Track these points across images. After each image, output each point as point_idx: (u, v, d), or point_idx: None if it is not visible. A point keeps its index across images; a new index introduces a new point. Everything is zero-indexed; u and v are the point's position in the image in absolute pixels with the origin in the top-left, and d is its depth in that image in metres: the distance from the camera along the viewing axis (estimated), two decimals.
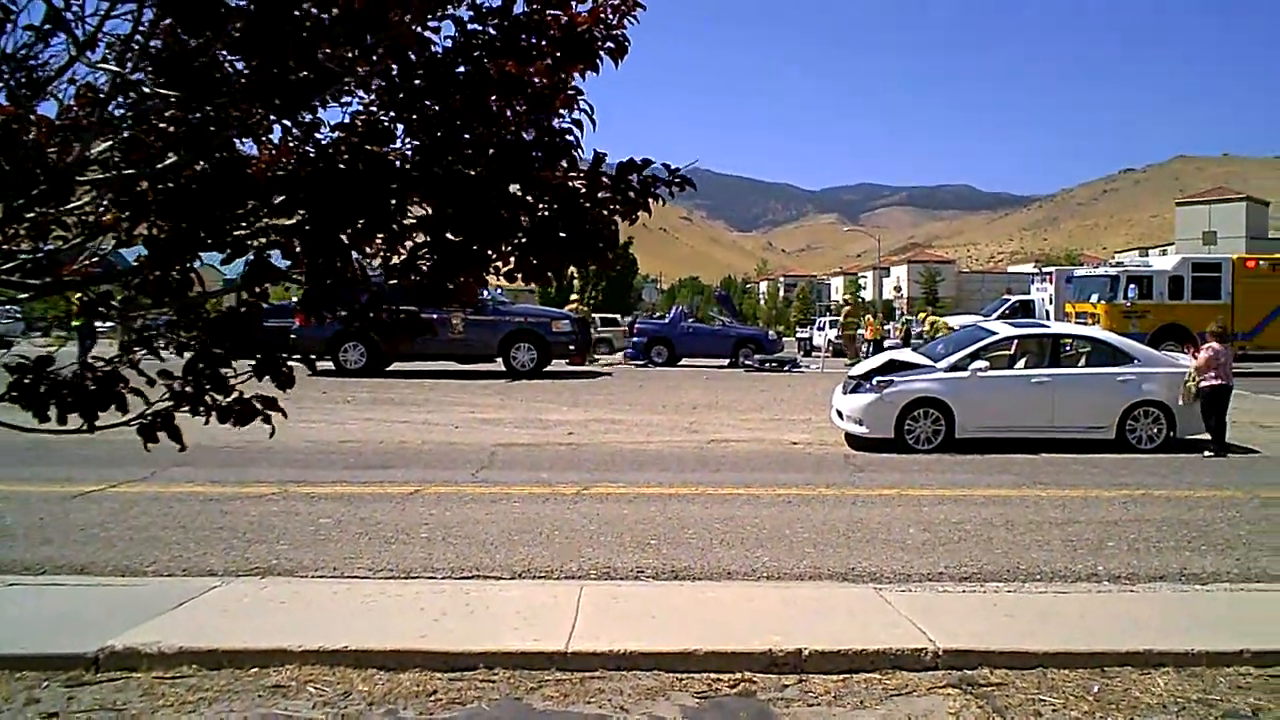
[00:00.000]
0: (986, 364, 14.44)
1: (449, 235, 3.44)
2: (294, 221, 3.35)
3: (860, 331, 39.64)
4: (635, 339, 32.26)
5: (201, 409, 3.35)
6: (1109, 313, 29.64)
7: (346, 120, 3.43)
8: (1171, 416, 14.33)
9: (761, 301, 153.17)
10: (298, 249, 3.36)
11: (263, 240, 3.37)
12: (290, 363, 3.42)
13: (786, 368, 30.02)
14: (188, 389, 3.31)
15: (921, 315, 34.79)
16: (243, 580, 7.01)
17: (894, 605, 6.53)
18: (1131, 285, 30.07)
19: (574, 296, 40.32)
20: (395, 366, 25.53)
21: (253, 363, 3.38)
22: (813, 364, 32.49)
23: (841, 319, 35.56)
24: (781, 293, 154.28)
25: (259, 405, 3.37)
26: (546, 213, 3.45)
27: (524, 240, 3.45)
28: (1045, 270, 40.05)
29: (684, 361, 31.97)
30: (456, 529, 8.72)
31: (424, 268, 3.47)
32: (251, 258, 3.35)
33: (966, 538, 8.74)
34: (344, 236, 3.36)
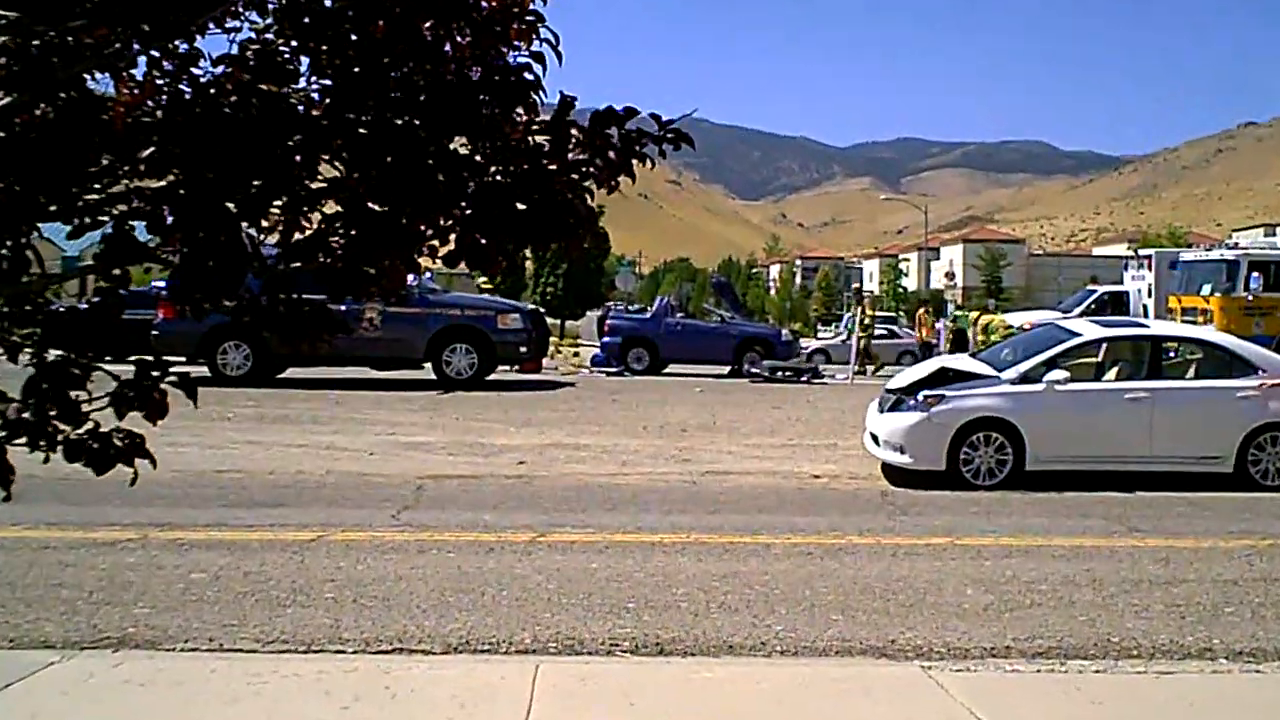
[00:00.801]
0: (1066, 374, 14.53)
1: (370, 204, 3.43)
2: (164, 184, 3.32)
3: (894, 330, 39.75)
4: (607, 339, 32.28)
5: (43, 444, 3.31)
6: (1226, 308, 29.91)
7: (234, 51, 3.42)
8: None
9: (772, 290, 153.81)
10: (169, 219, 3.34)
11: (123, 208, 3.34)
12: (170, 379, 3.38)
13: (805, 378, 30.09)
14: (25, 415, 3.28)
15: (973, 315, 34.82)
16: (89, 654, 6.97)
17: (947, 689, 6.56)
18: (1255, 273, 30.34)
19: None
20: (290, 373, 25.42)
21: (114, 377, 3.36)
22: (840, 374, 32.56)
23: (858, 316, 35.63)
24: (799, 279, 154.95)
25: (120, 443, 3.35)
26: (499, 176, 3.44)
27: (469, 212, 3.44)
28: (1143, 253, 40.28)
29: (671, 369, 32.00)
30: (372, 587, 8.70)
31: (336, 246, 3.46)
32: (109, 230, 3.33)
33: (1041, 601, 8.79)
34: (230, 204, 3.34)
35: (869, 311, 35.61)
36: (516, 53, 3.49)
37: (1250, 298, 29.86)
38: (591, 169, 3.44)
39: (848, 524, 11.66)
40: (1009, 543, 10.92)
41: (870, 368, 33.51)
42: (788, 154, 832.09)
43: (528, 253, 3.83)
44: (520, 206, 3.43)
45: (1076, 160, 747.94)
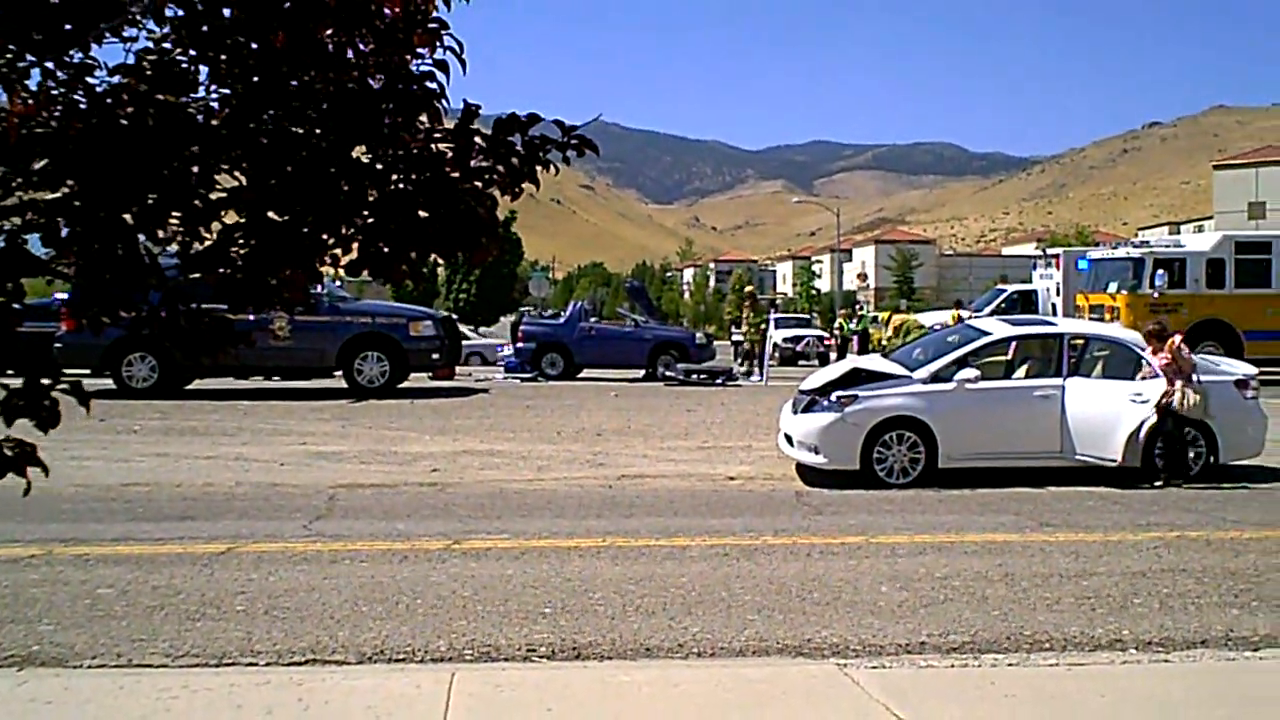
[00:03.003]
0: (977, 373, 14.72)
1: (270, 214, 3.41)
2: (59, 195, 3.29)
3: (805, 334, 40.16)
4: (520, 346, 32.22)
5: None
6: (1131, 306, 30.46)
7: (131, 61, 3.39)
8: (1213, 438, 14.74)
9: (686, 294, 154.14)
10: (65, 232, 3.31)
11: (17, 221, 3.30)
12: (61, 388, 3.34)
13: (720, 380, 30.25)
14: None
15: (884, 315, 35.26)
16: None
17: (863, 686, 6.64)
18: (1160, 271, 30.90)
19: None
20: (198, 384, 25.13)
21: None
22: (754, 375, 32.79)
23: (744, 315, 35.86)
24: (713, 282, 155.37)
25: (10, 452, 3.30)
26: (401, 185, 3.44)
27: (371, 221, 3.44)
28: (1051, 252, 40.91)
29: (585, 374, 32.01)
30: (284, 599, 8.62)
31: (237, 257, 3.44)
32: (1, 244, 3.29)
33: (955, 596, 8.92)
34: (127, 216, 3.31)
35: (755, 314, 35.78)
36: (419, 61, 3.50)
37: (1156, 294, 30.43)
38: (495, 176, 3.46)
39: (763, 524, 11.75)
40: (923, 540, 11.06)
41: (754, 368, 33.72)
42: (701, 158, 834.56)
43: (440, 260, 3.82)
44: (423, 215, 3.44)
45: (986, 161, 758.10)
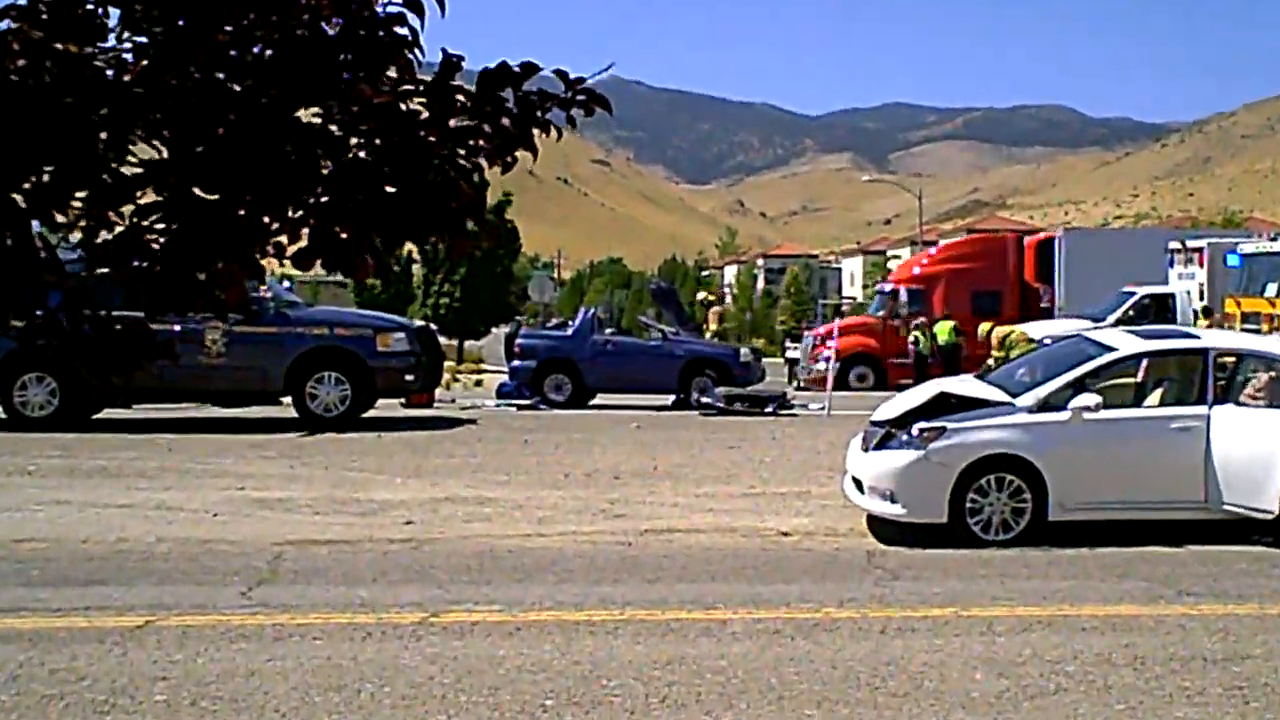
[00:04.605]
0: (1098, 399, 14.61)
1: (198, 192, 3.42)
2: None
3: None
4: (518, 364, 32.19)
5: None
6: None
7: (22, 2, 3.40)
8: None
9: (728, 298, 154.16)
10: None
11: None
12: None
13: (770, 408, 30.11)
14: None
15: (985, 327, 35.08)
16: None
17: None
18: None
19: (705, 295, 40.59)
20: (108, 413, 25.14)
21: None
22: (814, 403, 32.70)
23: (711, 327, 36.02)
24: (761, 283, 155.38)
25: None
26: (363, 154, 3.45)
27: (325, 200, 3.45)
28: (1192, 245, 40.75)
29: (599, 399, 31.99)
30: (216, 686, 8.62)
31: (155, 247, 3.45)
32: None
33: (1069, 685, 8.86)
34: (17, 196, 3.32)
35: (712, 324, 35.86)
36: (386, 2, 3.51)
37: None
38: (481, 141, 3.46)
39: (825, 593, 11.70)
40: (1028, 613, 10.99)
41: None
42: (746, 125, 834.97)
43: (414, 252, 3.82)
44: (390, 190, 3.44)
45: (1108, 129, 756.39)
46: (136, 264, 3.47)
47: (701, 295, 41.10)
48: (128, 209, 3.48)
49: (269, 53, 3.40)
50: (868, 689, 8.74)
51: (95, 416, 24.50)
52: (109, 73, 3.41)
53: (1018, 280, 46.32)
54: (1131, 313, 37.75)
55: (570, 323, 34.63)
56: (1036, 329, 34.97)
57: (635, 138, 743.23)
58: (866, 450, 15.08)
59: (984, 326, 33.25)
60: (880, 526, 14.70)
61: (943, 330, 40.22)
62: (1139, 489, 14.52)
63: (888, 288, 48.45)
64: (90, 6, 3.43)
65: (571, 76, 3.52)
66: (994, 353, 30.45)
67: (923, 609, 11.15)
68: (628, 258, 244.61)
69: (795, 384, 34.74)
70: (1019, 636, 10.17)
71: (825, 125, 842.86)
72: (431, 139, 3.46)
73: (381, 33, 3.48)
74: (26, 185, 3.32)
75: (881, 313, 44.83)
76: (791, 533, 14.75)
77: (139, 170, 3.47)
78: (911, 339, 40.37)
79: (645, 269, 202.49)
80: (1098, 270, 42.75)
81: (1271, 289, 31.51)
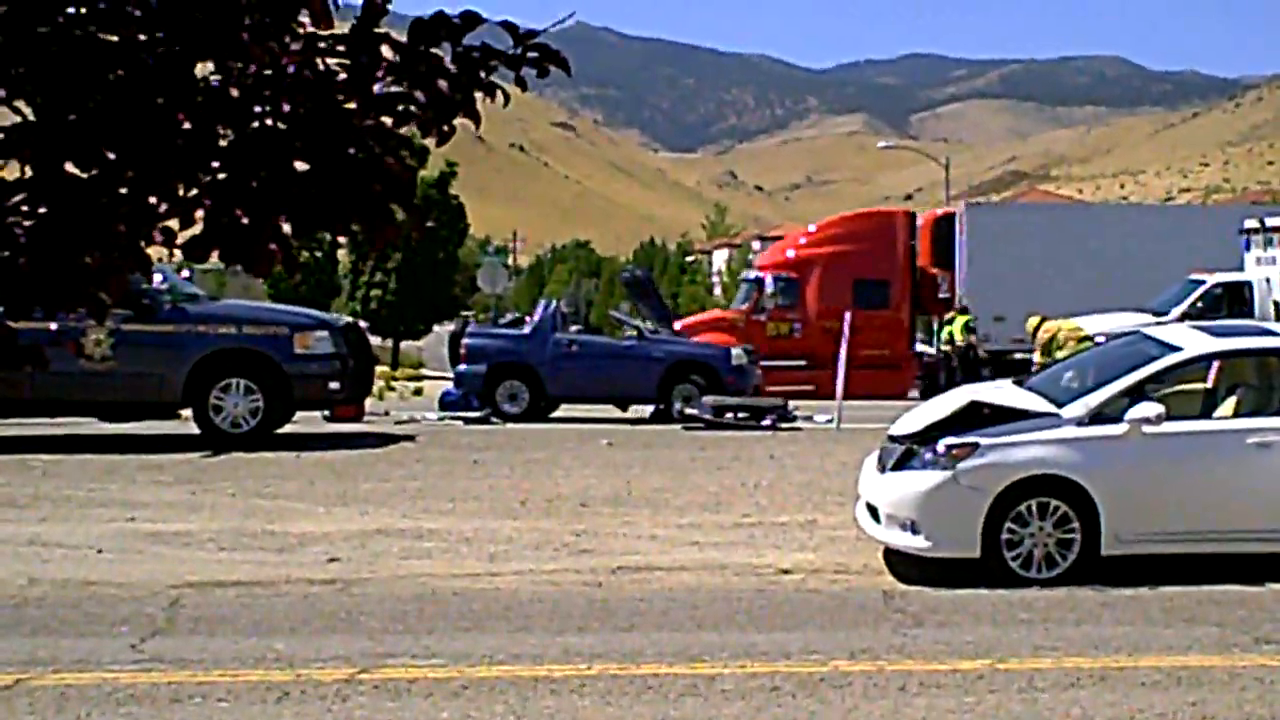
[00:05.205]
0: (1160, 409, 14.58)
1: (68, 167, 3.40)
2: None
3: None
4: (465, 369, 32.17)
5: None
6: None
7: None
8: None
9: (717, 288, 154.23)
10: None
11: None
12: None
13: (768, 421, 30.13)
14: None
15: (1034, 321, 34.77)
16: None
17: None
18: None
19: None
20: None
21: None
22: (820, 414, 32.72)
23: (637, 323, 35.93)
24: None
25: None
26: (269, 121, 3.43)
27: (224, 178, 3.43)
28: (1272, 223, 40.81)
29: (563, 410, 31.98)
30: None
31: (19, 233, 3.42)
32: None
33: None
34: None
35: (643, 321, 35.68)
36: None
37: None
38: (412, 108, 3.44)
39: (834, 642, 11.71)
40: (1076, 665, 11.00)
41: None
42: (739, 82, 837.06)
43: (331, 239, 3.80)
44: (300, 167, 3.41)
45: (1172, 86, 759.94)
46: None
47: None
48: None
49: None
50: None
51: None
52: None
53: (908, 266, 46.57)
54: (1200, 305, 37.82)
55: (528, 319, 34.61)
56: (1092, 323, 34.84)
57: (605, 96, 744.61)
58: (883, 471, 15.07)
59: (1032, 321, 33.15)
60: (900, 563, 14.73)
61: (955, 327, 40.32)
62: (1209, 516, 14.52)
63: (753, 275, 48.64)
64: None
65: (522, 30, 3.49)
66: (1038, 354, 30.49)
67: (951, 661, 11.15)
68: (596, 241, 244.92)
69: None
70: (1066, 693, 10.18)
71: (833, 81, 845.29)
72: (351, 106, 3.44)
73: None
74: None
75: (745, 305, 44.90)
76: (794, 570, 14.75)
77: None
78: (945, 333, 40.53)
79: (618, 254, 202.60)
80: (1009, 254, 43.18)
81: None
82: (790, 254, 47.82)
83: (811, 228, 51.47)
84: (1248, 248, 40.52)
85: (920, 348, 41.86)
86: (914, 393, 34.46)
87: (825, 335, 39.68)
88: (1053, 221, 50.20)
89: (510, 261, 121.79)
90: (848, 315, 34.22)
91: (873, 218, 52.01)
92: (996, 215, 52.77)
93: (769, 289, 45.40)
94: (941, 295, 45.46)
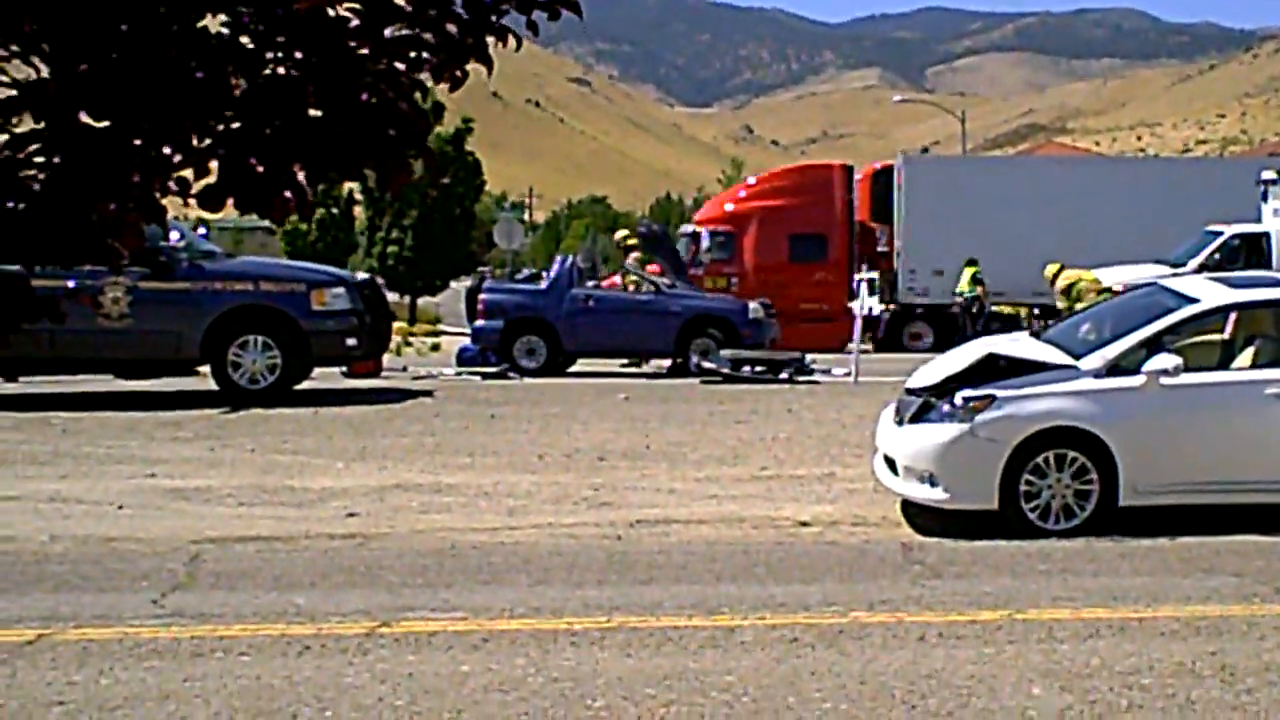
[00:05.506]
0: (1178, 361, 14.53)
1: (84, 118, 3.39)
2: None
3: None
4: (482, 324, 32.10)
5: None
6: None
7: None
8: None
9: None
10: None
11: None
12: None
13: (786, 374, 30.06)
14: None
15: (1053, 268, 34.47)
16: None
17: None
18: None
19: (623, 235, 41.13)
20: None
21: None
22: (837, 367, 32.64)
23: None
24: None
25: None
26: (281, 69, 3.42)
27: (237, 125, 3.41)
28: None
29: (580, 365, 31.93)
30: (123, 713, 8.61)
31: (33, 184, 3.42)
32: None
33: (1144, 701, 8.88)
34: None
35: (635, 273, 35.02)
36: None
37: None
38: (423, 53, 3.42)
39: (852, 594, 11.71)
40: (1095, 615, 10.99)
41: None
42: (754, 36, 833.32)
43: (345, 186, 3.79)
44: (313, 114, 3.40)
45: (1190, 38, 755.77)
46: (11, 205, 3.44)
47: (621, 234, 41.06)
48: (0, 138, 3.46)
49: None
50: (904, 707, 8.74)
51: None
52: None
53: (846, 220, 46.69)
54: (1218, 256, 37.67)
55: (545, 274, 34.50)
56: (1110, 274, 34.66)
57: (620, 52, 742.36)
58: (901, 424, 15.05)
59: (1050, 268, 33.00)
60: (918, 515, 14.73)
61: (964, 279, 40.24)
62: (1227, 467, 14.50)
63: (690, 229, 48.72)
64: None
65: None
66: (1059, 303, 30.39)
67: (969, 612, 11.14)
68: (613, 196, 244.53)
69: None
70: (1084, 644, 10.16)
71: (849, 35, 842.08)
72: (363, 52, 3.43)
73: None
74: None
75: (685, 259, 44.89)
76: (812, 523, 14.75)
77: (13, 93, 3.44)
78: (957, 290, 40.45)
79: (634, 209, 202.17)
80: (948, 208, 43.27)
81: None
82: (729, 208, 48.29)
83: (751, 180, 51.67)
84: (1265, 199, 40.35)
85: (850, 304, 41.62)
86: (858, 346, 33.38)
87: (761, 289, 39.60)
88: (991, 174, 50.43)
89: (526, 217, 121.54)
90: (860, 273, 34.34)
91: (809, 171, 52.61)
92: (934, 168, 52.95)
93: (705, 244, 45.63)
94: (880, 249, 45.63)
